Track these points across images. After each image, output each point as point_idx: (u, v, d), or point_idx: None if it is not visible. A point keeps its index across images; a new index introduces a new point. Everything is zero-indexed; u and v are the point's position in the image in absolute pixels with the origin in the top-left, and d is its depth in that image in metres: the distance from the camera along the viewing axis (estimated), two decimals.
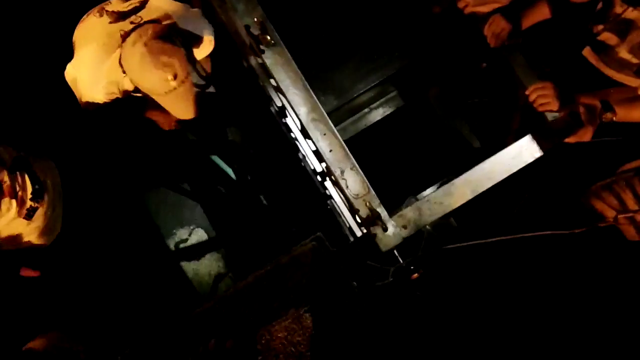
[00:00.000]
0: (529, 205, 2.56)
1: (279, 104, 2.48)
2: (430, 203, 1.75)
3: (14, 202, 2.24)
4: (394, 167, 2.35)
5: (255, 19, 1.74)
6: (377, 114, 3.00)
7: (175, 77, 1.82)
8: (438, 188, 1.79)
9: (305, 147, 2.44)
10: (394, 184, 2.01)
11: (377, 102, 3.02)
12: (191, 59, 1.96)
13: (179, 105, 2.00)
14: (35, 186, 2.37)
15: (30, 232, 2.33)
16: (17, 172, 2.30)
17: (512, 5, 2.36)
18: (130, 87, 2.04)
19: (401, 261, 1.91)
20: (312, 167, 2.62)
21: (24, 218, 2.26)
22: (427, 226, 1.81)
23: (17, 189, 2.28)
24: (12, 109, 2.80)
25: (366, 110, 3.04)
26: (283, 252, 1.56)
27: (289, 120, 2.46)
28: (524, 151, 1.79)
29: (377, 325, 1.64)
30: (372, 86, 2.87)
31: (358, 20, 2.86)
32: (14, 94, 2.84)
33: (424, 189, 2.24)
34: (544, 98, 2.09)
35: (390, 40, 2.81)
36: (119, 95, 2.14)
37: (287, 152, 3.04)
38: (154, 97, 1.95)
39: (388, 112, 2.94)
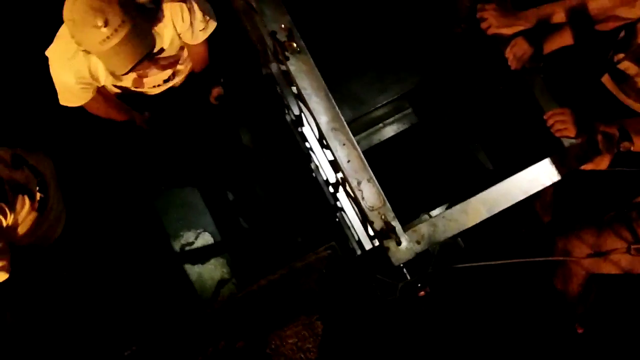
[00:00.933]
0: (538, 228, 2.57)
1: (297, 112, 2.49)
2: (446, 220, 1.75)
3: (26, 197, 2.24)
4: (406, 183, 2.35)
5: (283, 26, 1.75)
6: (391, 129, 3.01)
7: (106, 23, 1.75)
8: (452, 206, 1.78)
9: (321, 157, 2.45)
10: (406, 200, 2.01)
11: (392, 118, 3.03)
12: (134, 8, 1.88)
13: (115, 60, 1.90)
14: (38, 178, 2.39)
15: (42, 225, 2.33)
16: (20, 169, 2.32)
17: (535, 29, 2.37)
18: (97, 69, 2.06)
19: (409, 277, 1.91)
20: (325, 178, 2.63)
21: (36, 211, 2.27)
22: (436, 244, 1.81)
23: (25, 183, 2.30)
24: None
25: (380, 125, 3.05)
26: (290, 260, 1.56)
27: (305, 129, 2.47)
28: (541, 174, 1.79)
29: (385, 337, 1.64)
30: (388, 101, 2.88)
31: (378, 34, 2.88)
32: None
33: (435, 207, 2.24)
34: (562, 124, 2.10)
35: (409, 56, 2.83)
36: (89, 80, 2.13)
37: (299, 162, 3.04)
38: (96, 54, 1.91)
39: (402, 129, 2.94)
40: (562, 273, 2.45)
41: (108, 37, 1.79)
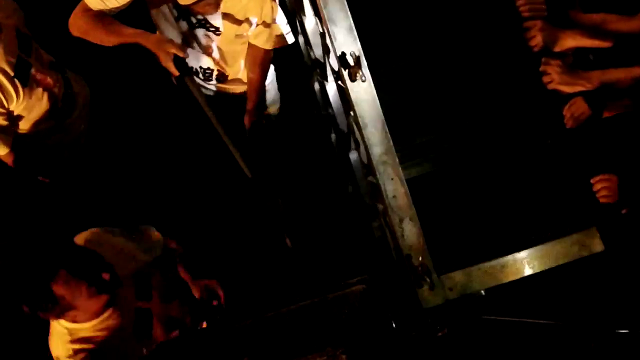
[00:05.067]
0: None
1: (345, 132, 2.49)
2: (482, 272, 1.73)
3: (45, 95, 2.29)
4: (446, 225, 2.33)
5: (352, 53, 1.75)
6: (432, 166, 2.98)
7: None
8: (492, 258, 1.76)
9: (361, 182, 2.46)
10: (443, 243, 1.98)
11: (434, 154, 3.00)
12: None
13: None
14: (67, 90, 2.40)
15: (55, 131, 2.43)
16: (53, 71, 2.36)
17: (596, 92, 2.35)
18: None
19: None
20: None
21: (53, 120, 2.35)
22: None
23: (51, 84, 2.34)
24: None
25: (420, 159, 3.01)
26: (331, 288, 1.55)
27: (352, 154, 2.47)
28: (587, 242, 1.76)
29: None
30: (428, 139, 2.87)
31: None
32: None
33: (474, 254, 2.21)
34: (607, 190, 2.07)
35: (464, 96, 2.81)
36: None
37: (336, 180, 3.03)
38: None
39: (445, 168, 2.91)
40: None
41: None
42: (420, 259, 1.71)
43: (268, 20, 2.32)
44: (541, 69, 2.43)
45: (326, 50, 2.27)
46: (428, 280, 1.68)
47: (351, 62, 1.75)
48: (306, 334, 1.42)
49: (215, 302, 2.28)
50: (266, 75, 2.54)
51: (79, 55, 2.63)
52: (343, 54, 1.77)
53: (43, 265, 1.84)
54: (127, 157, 2.86)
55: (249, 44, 2.42)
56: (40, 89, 2.28)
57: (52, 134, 2.43)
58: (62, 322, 1.97)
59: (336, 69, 1.99)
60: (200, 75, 2.50)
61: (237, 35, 2.37)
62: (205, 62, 2.46)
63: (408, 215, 1.74)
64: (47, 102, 2.30)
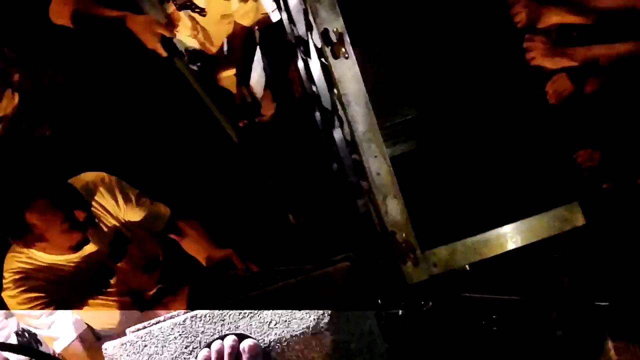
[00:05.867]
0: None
1: (330, 110, 2.47)
2: (466, 247, 1.74)
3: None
4: (431, 201, 2.34)
5: (335, 29, 1.73)
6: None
7: None
8: (476, 233, 1.77)
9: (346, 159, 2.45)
10: (428, 219, 1.99)
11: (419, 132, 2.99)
12: None
13: None
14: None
15: None
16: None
17: (579, 68, 2.35)
18: None
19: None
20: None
21: None
22: None
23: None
24: None
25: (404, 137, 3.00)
26: (316, 265, 1.55)
27: (336, 132, 2.46)
28: (573, 216, 1.77)
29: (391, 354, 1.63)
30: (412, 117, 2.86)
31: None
32: None
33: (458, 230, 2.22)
34: (590, 164, 2.09)
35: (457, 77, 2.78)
36: None
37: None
38: None
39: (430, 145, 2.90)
40: None
41: None
42: (404, 235, 1.72)
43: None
44: (525, 45, 2.43)
45: (309, 27, 2.25)
46: (412, 256, 1.68)
47: (334, 38, 1.74)
48: (290, 312, 1.42)
49: (232, 272, 2.29)
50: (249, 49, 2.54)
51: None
52: (326, 30, 1.76)
53: (22, 191, 1.85)
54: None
55: (235, 22, 2.40)
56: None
57: None
58: (30, 250, 2.00)
59: (319, 46, 1.97)
60: (186, 58, 2.48)
61: (222, 16, 2.35)
62: (191, 43, 2.45)
63: (392, 192, 1.75)
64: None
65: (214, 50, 2.47)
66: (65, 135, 2.69)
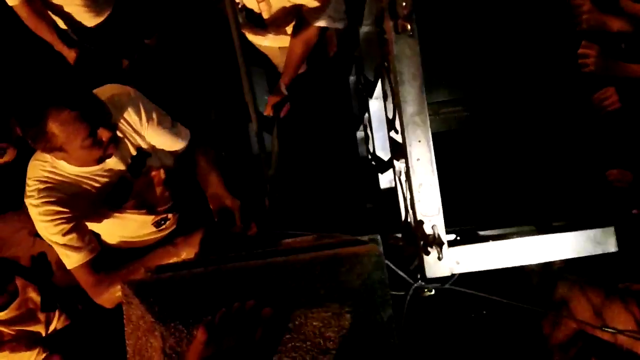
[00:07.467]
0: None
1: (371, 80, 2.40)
2: (495, 250, 1.71)
3: None
4: (466, 195, 2.30)
5: (404, 4, 1.65)
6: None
7: None
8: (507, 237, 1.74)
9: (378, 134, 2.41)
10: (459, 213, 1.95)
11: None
12: None
13: None
14: None
15: None
16: None
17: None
18: None
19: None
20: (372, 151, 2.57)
21: None
22: None
23: None
24: None
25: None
26: (342, 243, 1.51)
27: (372, 102, 2.40)
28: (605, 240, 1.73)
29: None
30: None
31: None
32: None
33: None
34: (622, 184, 2.06)
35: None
36: None
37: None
38: None
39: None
40: (553, 317, 2.44)
41: None
42: (433, 227, 1.68)
43: None
44: (580, 51, 2.37)
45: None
46: (438, 250, 1.65)
47: (401, 13, 1.66)
48: (315, 287, 1.39)
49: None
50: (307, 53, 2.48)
51: None
52: (394, 1, 1.68)
53: (47, 94, 1.79)
54: None
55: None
56: None
57: None
58: (55, 160, 1.96)
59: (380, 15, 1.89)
60: (243, 13, 2.41)
61: None
62: (250, 2, 2.38)
63: (430, 181, 1.70)
64: None
65: (268, 18, 2.41)
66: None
